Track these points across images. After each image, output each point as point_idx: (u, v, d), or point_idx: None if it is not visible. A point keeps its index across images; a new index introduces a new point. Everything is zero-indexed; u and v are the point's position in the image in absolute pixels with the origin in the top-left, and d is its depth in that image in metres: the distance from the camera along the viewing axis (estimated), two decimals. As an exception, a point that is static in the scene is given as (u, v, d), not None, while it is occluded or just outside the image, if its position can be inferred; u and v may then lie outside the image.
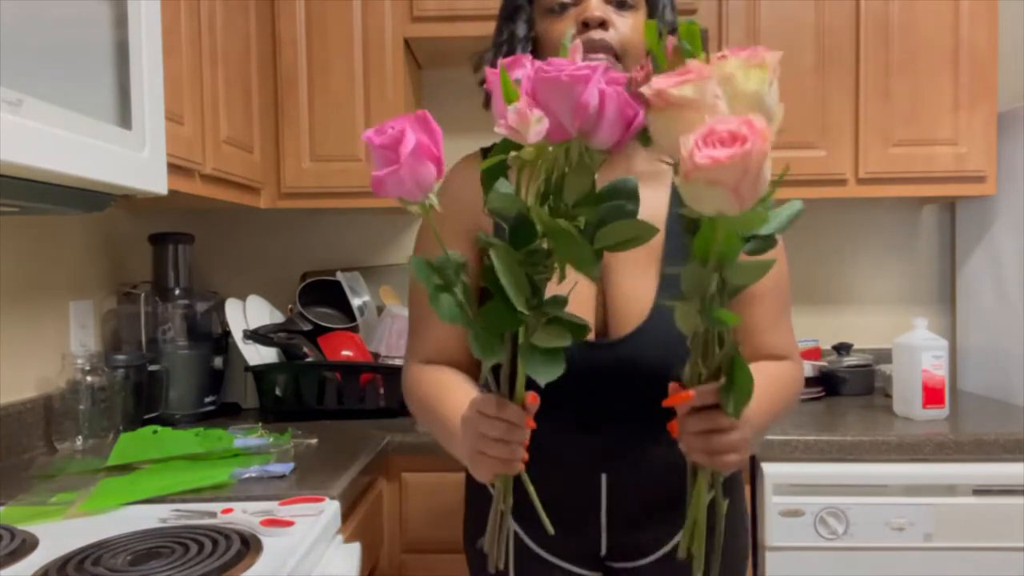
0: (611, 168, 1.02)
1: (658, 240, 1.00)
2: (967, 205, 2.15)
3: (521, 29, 1.01)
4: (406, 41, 1.94)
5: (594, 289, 1.01)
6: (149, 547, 0.97)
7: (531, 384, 0.87)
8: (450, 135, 2.24)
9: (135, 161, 1.10)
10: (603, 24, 0.96)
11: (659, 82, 0.61)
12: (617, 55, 0.97)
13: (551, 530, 0.82)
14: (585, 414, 1.01)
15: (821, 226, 2.27)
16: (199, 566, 0.90)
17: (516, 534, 1.07)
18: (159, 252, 1.87)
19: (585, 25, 0.97)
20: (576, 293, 0.98)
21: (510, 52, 1.01)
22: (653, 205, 1.01)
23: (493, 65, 0.95)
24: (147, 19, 1.14)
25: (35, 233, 1.59)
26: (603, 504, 1.04)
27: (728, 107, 0.62)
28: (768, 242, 0.66)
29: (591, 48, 0.95)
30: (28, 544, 0.99)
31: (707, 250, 0.63)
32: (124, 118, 1.08)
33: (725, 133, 0.57)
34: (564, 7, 0.99)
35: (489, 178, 0.68)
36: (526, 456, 0.78)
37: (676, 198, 1.02)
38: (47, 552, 0.96)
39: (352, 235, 2.28)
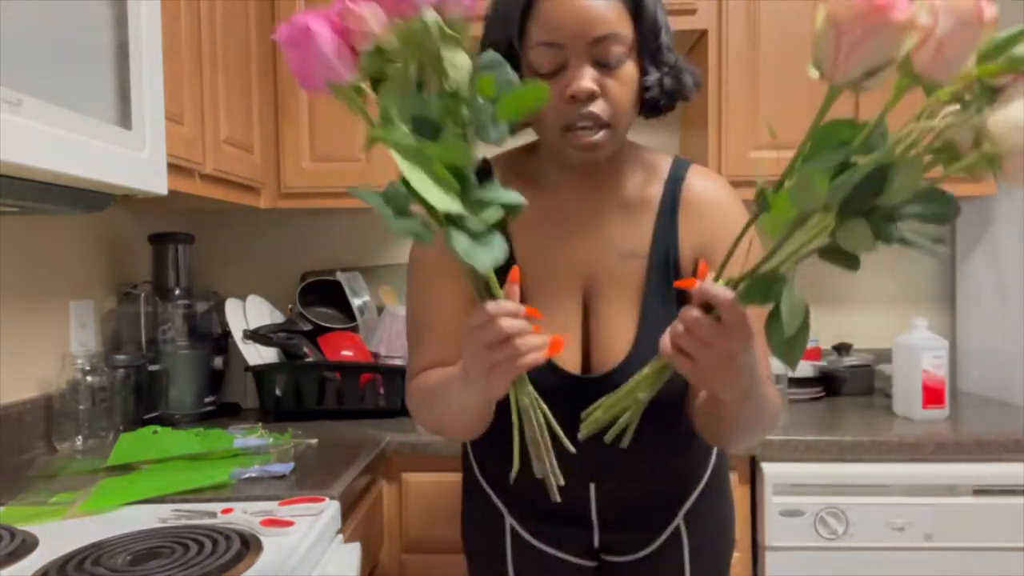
0: (599, 193, 1.00)
1: (639, 274, 0.99)
2: (967, 205, 2.15)
3: None
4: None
5: (578, 324, 1.00)
6: (149, 547, 0.97)
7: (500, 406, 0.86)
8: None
9: (135, 161, 1.10)
10: (592, 95, 0.90)
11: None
12: (608, 124, 0.92)
13: (556, 496, 0.81)
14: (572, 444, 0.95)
15: (821, 226, 2.27)
16: (199, 566, 0.90)
17: (512, 527, 1.07)
18: (159, 252, 1.87)
19: (573, 98, 0.90)
20: (560, 328, 0.97)
21: None
22: (637, 235, 1.00)
23: None
24: (147, 19, 1.14)
25: (35, 233, 1.59)
26: (593, 509, 1.05)
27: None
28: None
29: (582, 122, 0.90)
30: (28, 544, 0.99)
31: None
32: (124, 118, 1.08)
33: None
34: (552, 73, 0.91)
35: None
36: (550, 337, 0.76)
37: (661, 230, 0.99)
38: (47, 552, 0.96)
39: (352, 235, 2.28)
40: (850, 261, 0.63)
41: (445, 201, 0.64)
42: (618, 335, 0.98)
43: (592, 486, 1.04)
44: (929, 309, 2.26)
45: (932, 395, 1.72)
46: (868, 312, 2.27)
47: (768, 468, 1.57)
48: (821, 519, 1.55)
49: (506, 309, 0.73)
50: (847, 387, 2.04)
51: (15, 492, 1.23)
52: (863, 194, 0.59)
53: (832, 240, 0.63)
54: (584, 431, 0.80)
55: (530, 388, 0.78)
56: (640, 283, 0.99)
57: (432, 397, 0.97)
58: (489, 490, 1.11)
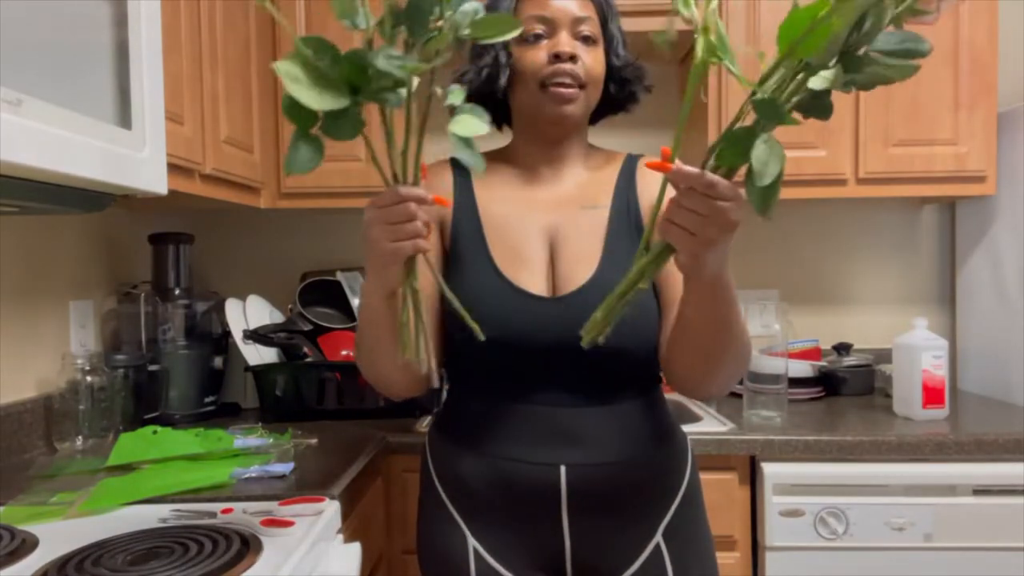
0: (563, 163, 1.15)
1: (601, 220, 1.10)
2: (967, 205, 2.15)
3: (503, 57, 1.10)
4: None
5: (544, 259, 1.08)
6: (149, 547, 0.97)
7: (473, 338, 0.90)
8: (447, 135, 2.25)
9: (135, 161, 1.10)
10: (572, 57, 1.06)
11: None
12: (582, 84, 1.08)
13: (480, 336, 0.86)
14: (535, 381, 1.05)
15: (821, 226, 2.27)
16: (199, 566, 0.90)
17: (476, 551, 1.06)
18: (159, 252, 1.87)
19: (556, 57, 1.06)
20: (529, 258, 1.07)
21: (491, 75, 1.10)
22: (598, 192, 1.12)
23: (473, 84, 1.11)
24: (147, 19, 1.14)
25: (35, 233, 1.59)
26: (563, 500, 1.03)
27: None
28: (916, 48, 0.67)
29: (561, 77, 1.06)
30: (28, 544, 0.99)
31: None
32: (124, 118, 1.08)
33: None
34: (538, 38, 1.08)
35: None
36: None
37: (621, 187, 1.13)
38: (47, 552, 0.96)
39: (352, 235, 2.28)
40: (823, 110, 0.71)
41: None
42: (580, 266, 1.06)
43: (563, 469, 1.03)
44: (929, 309, 2.26)
45: (932, 395, 1.72)
46: (868, 312, 2.27)
47: (768, 468, 1.57)
48: (821, 519, 1.55)
49: (415, 193, 0.82)
50: (847, 387, 2.05)
51: (15, 492, 1.23)
52: (849, 40, 0.67)
53: (806, 93, 0.69)
54: (587, 336, 0.84)
55: (413, 279, 0.84)
56: (602, 227, 1.09)
57: (361, 331, 1.03)
58: (450, 505, 1.09)
